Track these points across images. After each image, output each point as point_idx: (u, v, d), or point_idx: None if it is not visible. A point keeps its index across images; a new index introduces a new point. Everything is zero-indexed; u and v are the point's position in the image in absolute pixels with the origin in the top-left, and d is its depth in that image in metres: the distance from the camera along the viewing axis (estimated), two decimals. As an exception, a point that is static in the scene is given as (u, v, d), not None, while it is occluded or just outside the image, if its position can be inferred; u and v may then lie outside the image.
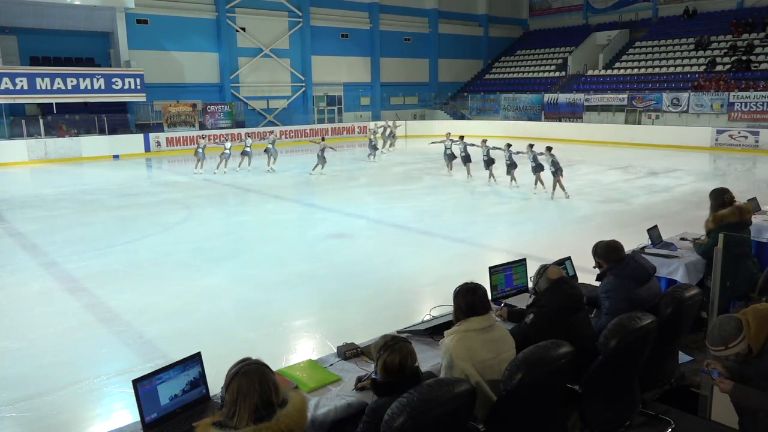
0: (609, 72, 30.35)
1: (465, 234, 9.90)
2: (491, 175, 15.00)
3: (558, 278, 3.57)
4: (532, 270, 4.01)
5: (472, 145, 15.78)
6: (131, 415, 3.99)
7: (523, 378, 2.71)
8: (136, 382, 2.77)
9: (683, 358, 4.25)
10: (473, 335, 3.01)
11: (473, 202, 12.83)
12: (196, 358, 2.99)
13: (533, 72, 34.20)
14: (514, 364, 2.77)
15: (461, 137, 16.38)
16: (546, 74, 33.18)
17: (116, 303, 6.81)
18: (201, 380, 2.99)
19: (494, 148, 14.92)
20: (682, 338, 4.03)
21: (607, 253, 4.03)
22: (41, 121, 22.34)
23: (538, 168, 13.43)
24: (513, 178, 14.28)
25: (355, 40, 32.37)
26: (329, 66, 31.47)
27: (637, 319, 3.23)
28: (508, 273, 4.48)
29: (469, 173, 15.66)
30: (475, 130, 30.40)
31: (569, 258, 4.86)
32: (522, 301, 4.19)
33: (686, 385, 4.08)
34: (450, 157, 16.63)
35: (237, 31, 28.11)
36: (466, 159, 15.73)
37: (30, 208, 12.93)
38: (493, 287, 4.38)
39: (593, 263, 4.18)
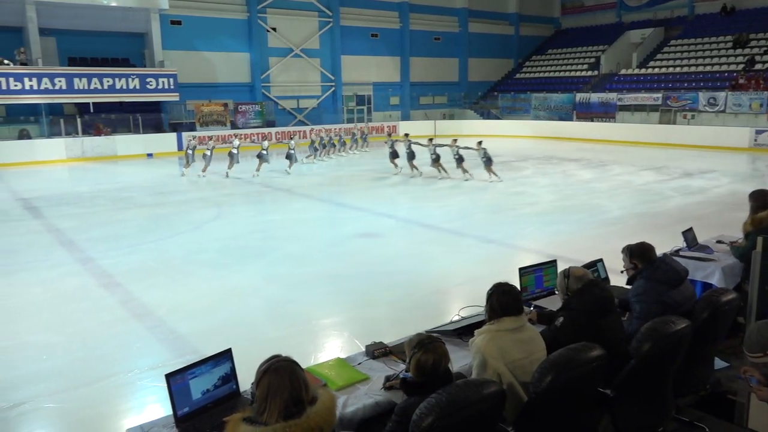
0: (643, 71, 29.78)
1: (495, 234, 9.83)
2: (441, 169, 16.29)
3: (588, 280, 3.53)
4: (562, 272, 3.96)
5: (417, 143, 17.06)
6: (163, 408, 4.07)
7: (552, 380, 2.68)
8: (169, 377, 2.82)
9: (719, 364, 4.15)
10: (505, 335, 3.00)
11: (504, 202, 12.73)
12: (226, 355, 3.04)
13: (565, 71, 33.77)
14: (544, 366, 2.74)
15: (406, 135, 17.79)
16: (578, 73, 32.73)
17: (149, 299, 6.95)
18: (231, 376, 3.03)
19: (441, 145, 16.55)
20: (718, 344, 3.94)
21: (637, 254, 3.96)
22: (78, 120, 22.91)
23: (460, 159, 15.86)
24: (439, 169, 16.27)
25: (384, 40, 32.41)
26: (359, 66, 31.58)
27: (671, 324, 3.17)
28: (538, 274, 4.44)
29: (413, 168, 16.94)
30: (505, 129, 30.22)
31: (601, 260, 4.80)
32: (552, 303, 4.15)
33: (722, 391, 3.98)
34: (393, 155, 17.60)
35: (268, 31, 28.39)
36: (411, 156, 16.97)
37: (67, 205, 13.27)
38: (522, 288, 4.35)
39: (624, 266, 4.12)
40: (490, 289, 3.16)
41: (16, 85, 21.03)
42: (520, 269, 4.41)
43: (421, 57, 33.76)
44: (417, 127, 30.94)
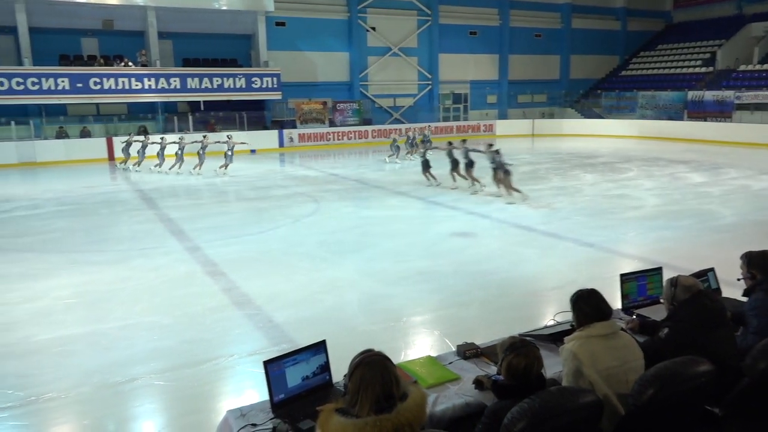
0: (766, 66, 27.44)
1: (595, 238, 9.44)
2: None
3: (698, 291, 3.32)
4: (669, 281, 3.75)
5: (476, 150, 14.15)
6: (258, 393, 4.26)
7: (655, 394, 2.54)
8: (267, 364, 2.94)
9: None
10: (596, 341, 2.89)
11: (604, 205, 12.19)
12: (321, 346, 3.13)
13: (676, 68, 31.76)
14: (646, 379, 2.60)
15: (464, 141, 14.85)
16: (690, 70, 30.70)
17: (249, 288, 7.28)
18: (325, 367, 3.12)
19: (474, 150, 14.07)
20: None
21: (758, 264, 3.66)
22: (190, 117, 24.40)
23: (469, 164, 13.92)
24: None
25: (483, 38, 31.98)
26: (456, 64, 31.38)
27: (793, 342, 2.91)
28: (641, 282, 4.23)
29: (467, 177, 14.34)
30: (608, 129, 28.94)
31: (712, 269, 4.48)
32: (656, 313, 3.94)
33: None
34: (454, 163, 14.68)
35: (367, 30, 28.86)
36: (470, 164, 14.21)
37: (178, 197, 14.19)
38: (624, 296, 4.16)
39: (738, 275, 3.82)
40: (574, 296, 3.09)
41: (137, 85, 22.77)
42: (622, 275, 4.21)
43: (521, 54, 32.98)
44: (514, 127, 30.38)
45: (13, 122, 21.59)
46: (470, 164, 14.05)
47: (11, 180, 18.13)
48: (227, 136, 18.78)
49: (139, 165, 19.00)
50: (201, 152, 17.86)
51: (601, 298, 3.03)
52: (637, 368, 2.91)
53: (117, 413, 4.60)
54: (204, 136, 18.77)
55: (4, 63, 21.94)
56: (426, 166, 15.19)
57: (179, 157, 18.29)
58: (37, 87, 21.33)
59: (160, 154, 18.62)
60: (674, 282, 3.39)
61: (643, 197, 13.12)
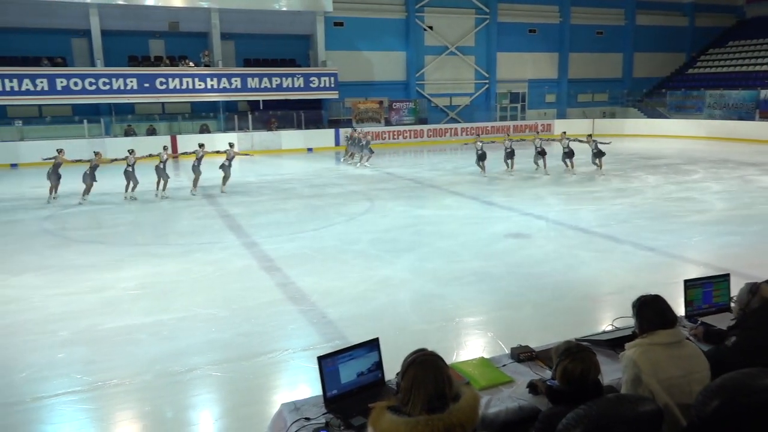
0: None
1: (656, 242, 9.11)
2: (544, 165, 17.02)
3: (770, 299, 3.15)
4: (735, 288, 3.58)
5: (522, 140, 18.31)
6: (311, 388, 4.32)
7: (720, 406, 2.42)
8: (321, 359, 2.98)
9: None
10: (659, 349, 2.78)
11: (668, 208, 11.74)
12: (374, 344, 3.14)
13: (748, 65, 30.25)
14: (711, 389, 2.49)
15: (564, 131, 18.03)
16: (764, 68, 29.17)
17: (304, 284, 7.40)
18: (378, 365, 3.13)
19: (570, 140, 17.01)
20: None
21: None
22: (250, 116, 25.00)
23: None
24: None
25: (542, 36, 31.38)
26: (514, 62, 30.92)
27: None
28: (707, 289, 4.05)
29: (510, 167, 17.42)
30: (672, 129, 27.90)
31: (785, 277, 4.25)
32: (722, 321, 3.77)
33: None
34: (481, 157, 16.97)
35: (425, 29, 28.80)
36: (512, 154, 17.41)
37: (237, 194, 14.55)
38: (687, 303, 4.00)
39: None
40: (637, 301, 2.98)
41: (200, 85, 23.52)
42: (686, 281, 4.05)
43: (581, 52, 32.17)
44: (573, 126, 29.61)
45: (85, 120, 22.67)
46: (542, 153, 16.91)
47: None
48: (229, 144, 15.27)
49: (87, 193, 13.95)
50: (196, 164, 14.53)
51: (666, 305, 2.92)
52: (702, 379, 2.79)
53: (176, 401, 4.77)
54: (200, 145, 14.90)
55: (78, 64, 23.11)
56: (482, 157, 16.82)
57: (162, 173, 14.21)
58: (107, 87, 22.35)
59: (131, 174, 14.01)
60: (754, 289, 3.23)
61: (709, 200, 12.58)
